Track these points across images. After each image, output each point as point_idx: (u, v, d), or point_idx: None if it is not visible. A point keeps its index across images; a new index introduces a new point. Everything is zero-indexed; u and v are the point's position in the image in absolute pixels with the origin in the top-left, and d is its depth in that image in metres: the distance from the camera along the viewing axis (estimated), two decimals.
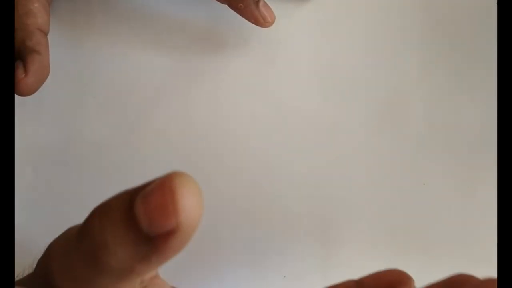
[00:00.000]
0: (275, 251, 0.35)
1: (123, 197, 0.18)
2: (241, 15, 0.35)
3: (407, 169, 0.35)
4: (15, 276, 0.23)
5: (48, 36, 0.35)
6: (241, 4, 0.34)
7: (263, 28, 0.35)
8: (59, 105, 0.37)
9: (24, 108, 0.36)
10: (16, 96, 0.33)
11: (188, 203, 0.18)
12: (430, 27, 0.37)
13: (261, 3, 0.34)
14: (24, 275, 0.25)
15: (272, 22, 0.35)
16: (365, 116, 0.36)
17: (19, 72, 0.33)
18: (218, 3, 0.35)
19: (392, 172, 0.35)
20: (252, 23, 0.35)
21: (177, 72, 0.37)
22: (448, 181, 0.35)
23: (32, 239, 0.33)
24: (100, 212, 0.19)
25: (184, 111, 0.37)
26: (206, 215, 0.34)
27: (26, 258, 0.28)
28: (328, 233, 0.35)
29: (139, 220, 0.17)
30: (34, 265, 0.23)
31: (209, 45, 0.38)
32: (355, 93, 0.37)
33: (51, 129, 0.36)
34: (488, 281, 0.25)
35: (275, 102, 0.37)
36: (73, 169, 0.36)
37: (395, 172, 0.35)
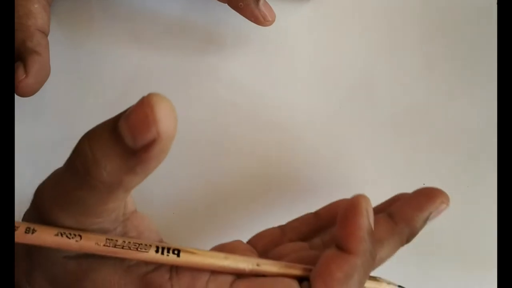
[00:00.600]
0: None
1: (108, 121, 0.22)
2: (241, 14, 0.35)
3: (407, 169, 0.35)
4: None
5: (48, 37, 0.35)
6: (241, 3, 0.34)
7: (263, 28, 0.35)
8: (59, 106, 0.37)
9: (24, 109, 0.36)
10: (16, 97, 0.33)
11: (165, 115, 0.21)
12: (430, 27, 0.37)
13: (261, 2, 0.34)
14: None
15: (273, 21, 0.35)
16: (365, 116, 0.36)
17: (20, 73, 0.33)
18: (218, 2, 0.35)
19: (392, 172, 0.35)
20: (252, 22, 0.35)
21: (177, 71, 0.37)
22: (448, 181, 0.35)
23: None
24: (89, 136, 0.22)
25: (184, 111, 0.36)
26: (206, 215, 0.34)
27: None
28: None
29: (124, 135, 0.20)
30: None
31: (209, 44, 0.38)
32: (355, 92, 0.37)
33: (51, 129, 0.36)
34: (420, 190, 0.28)
35: (275, 101, 0.37)
36: None
37: (395, 172, 0.35)
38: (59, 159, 0.36)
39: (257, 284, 0.24)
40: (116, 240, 0.24)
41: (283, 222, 0.31)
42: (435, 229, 0.35)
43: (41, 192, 0.24)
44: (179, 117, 0.36)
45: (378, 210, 0.30)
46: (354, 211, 0.25)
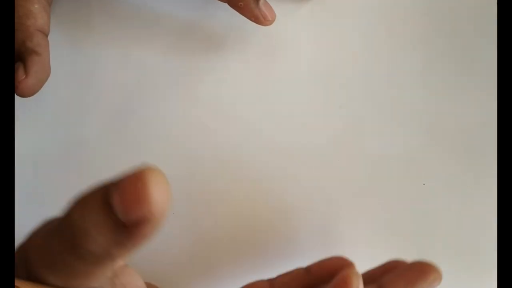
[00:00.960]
0: (275, 252, 0.35)
1: (101, 189, 0.20)
2: (241, 13, 0.35)
3: (407, 169, 0.35)
4: None
5: (48, 37, 0.35)
6: (241, 3, 0.34)
7: (263, 28, 0.35)
8: (59, 106, 0.37)
9: (24, 109, 0.36)
10: (16, 97, 0.33)
11: (158, 193, 0.20)
12: (430, 27, 0.37)
13: (261, 2, 0.34)
14: None
15: (273, 21, 0.35)
16: (365, 115, 0.36)
17: (20, 74, 0.33)
18: (218, 1, 0.35)
19: (392, 172, 0.35)
20: (252, 21, 0.34)
21: (177, 71, 0.37)
22: (448, 181, 0.35)
23: None
24: (80, 204, 0.21)
25: (184, 110, 0.37)
26: (205, 214, 0.34)
27: None
28: (328, 233, 0.35)
29: (116, 208, 0.20)
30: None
31: (209, 44, 0.38)
32: (355, 93, 0.37)
33: (51, 129, 0.36)
34: (415, 264, 0.27)
35: (275, 101, 0.37)
36: (73, 169, 0.36)
37: (395, 172, 0.35)
38: (59, 159, 0.36)
39: None
40: None
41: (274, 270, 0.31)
42: (435, 228, 0.35)
43: (28, 247, 0.23)
44: (179, 117, 0.36)
45: (369, 277, 0.30)
46: (344, 282, 0.25)
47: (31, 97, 0.34)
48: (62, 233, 0.21)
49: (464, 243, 0.34)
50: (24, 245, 0.24)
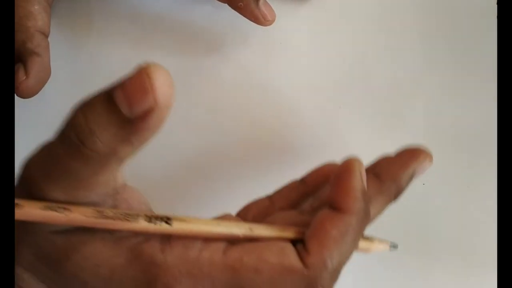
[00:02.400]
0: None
1: (103, 90, 0.21)
2: (241, 13, 0.35)
3: None
4: None
5: (49, 38, 0.35)
6: (241, 3, 0.34)
7: (263, 28, 0.35)
8: (60, 106, 0.37)
9: (24, 109, 0.36)
10: (17, 98, 0.33)
11: (162, 83, 0.21)
12: (430, 27, 0.37)
13: (261, 2, 0.34)
14: None
15: (273, 21, 0.35)
16: (365, 115, 0.36)
17: (20, 75, 0.33)
18: (218, 2, 0.35)
19: None
20: (252, 21, 0.35)
21: (176, 71, 0.37)
22: (448, 181, 0.35)
23: None
24: (83, 106, 0.22)
25: (184, 110, 0.37)
26: (206, 213, 0.34)
27: None
28: None
29: (120, 104, 0.20)
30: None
31: (209, 44, 0.38)
32: (355, 92, 0.37)
33: (52, 130, 0.36)
34: (404, 151, 0.28)
35: (275, 101, 0.37)
36: None
37: None
38: None
39: (250, 248, 0.24)
40: (104, 211, 0.23)
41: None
42: (435, 228, 0.35)
43: (30, 164, 0.23)
44: (179, 117, 0.36)
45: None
46: (347, 172, 0.25)
47: (32, 98, 0.34)
48: (65, 138, 0.22)
49: (464, 243, 0.34)
50: (25, 166, 0.23)
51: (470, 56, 0.37)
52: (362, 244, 0.27)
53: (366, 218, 0.25)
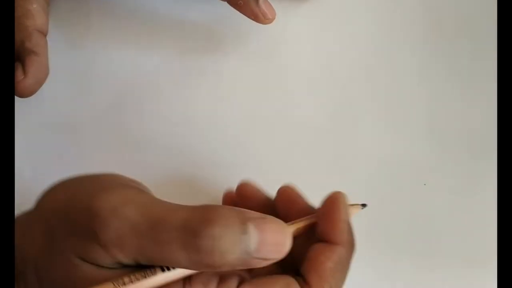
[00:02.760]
0: None
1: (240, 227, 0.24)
2: (241, 12, 0.35)
3: (407, 170, 0.35)
4: None
5: (47, 37, 0.35)
6: (241, 1, 0.34)
7: (262, 28, 0.35)
8: (58, 106, 0.37)
9: (24, 110, 0.36)
10: (16, 98, 0.33)
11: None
12: (430, 27, 0.37)
13: (261, 0, 0.34)
14: None
15: (273, 19, 0.35)
16: (365, 116, 0.36)
17: (18, 74, 0.33)
18: (218, 0, 0.35)
19: (392, 172, 0.36)
20: (252, 20, 0.34)
21: (176, 71, 0.37)
22: (448, 181, 0.35)
23: None
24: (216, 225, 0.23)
25: (184, 110, 0.37)
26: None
27: None
28: None
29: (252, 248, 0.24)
30: None
31: (208, 43, 0.38)
32: (355, 92, 0.37)
33: (50, 129, 0.36)
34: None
35: (275, 101, 0.37)
36: (73, 169, 0.36)
37: (395, 172, 0.35)
38: (58, 159, 0.36)
39: (260, 285, 0.25)
40: (123, 280, 0.24)
41: None
42: (435, 228, 0.35)
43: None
44: (179, 116, 0.36)
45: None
46: (333, 206, 0.27)
47: (31, 98, 0.34)
48: (198, 241, 0.23)
49: (464, 243, 0.34)
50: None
51: (470, 56, 0.37)
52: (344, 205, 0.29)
53: (353, 247, 0.28)
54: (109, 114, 0.37)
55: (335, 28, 0.38)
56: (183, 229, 0.23)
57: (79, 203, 0.25)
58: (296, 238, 0.27)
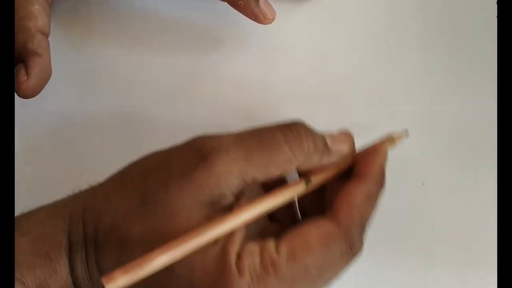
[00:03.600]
0: None
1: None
2: (241, 12, 0.35)
3: (407, 169, 0.35)
4: None
5: (49, 38, 0.35)
6: (241, 1, 0.34)
7: (263, 27, 0.35)
8: (61, 106, 0.37)
9: (24, 110, 0.36)
10: (17, 98, 0.33)
11: None
12: (430, 27, 0.37)
13: (261, 0, 0.34)
14: None
15: (273, 19, 0.35)
16: (365, 116, 0.36)
17: (21, 75, 0.33)
18: (219, 0, 0.35)
19: (392, 172, 0.35)
20: (253, 20, 0.35)
21: (176, 71, 0.37)
22: (448, 181, 0.35)
23: None
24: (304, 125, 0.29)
25: (184, 110, 0.37)
26: None
27: None
28: None
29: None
30: None
31: (209, 43, 0.38)
32: (355, 92, 0.37)
33: (52, 130, 0.37)
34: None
35: (275, 101, 0.37)
36: (73, 169, 0.36)
37: (395, 173, 0.35)
38: (59, 159, 0.36)
39: (294, 236, 0.27)
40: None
41: None
42: (435, 228, 0.35)
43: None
44: (179, 117, 0.36)
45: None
46: (375, 150, 0.30)
47: (33, 98, 0.34)
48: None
49: (464, 243, 0.34)
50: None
51: (470, 56, 0.37)
52: (387, 144, 0.32)
53: (382, 185, 0.30)
54: (110, 114, 0.37)
55: (335, 28, 0.38)
56: (280, 128, 0.28)
57: (177, 149, 0.29)
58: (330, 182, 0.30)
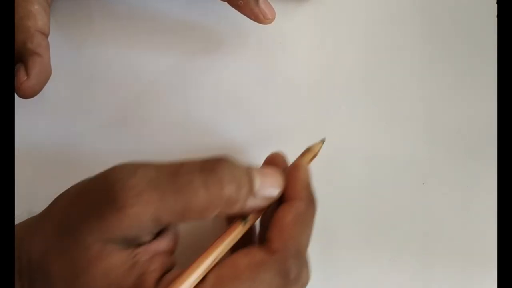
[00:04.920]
0: None
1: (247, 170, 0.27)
2: (241, 12, 0.35)
3: (407, 169, 0.35)
4: None
5: (48, 38, 0.35)
6: (241, 1, 0.34)
7: (263, 27, 0.35)
8: (60, 106, 0.37)
9: (25, 109, 0.36)
10: (17, 98, 0.33)
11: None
12: (430, 27, 0.37)
13: (261, 0, 0.34)
14: None
15: (273, 19, 0.35)
16: (365, 116, 0.36)
17: (21, 75, 0.33)
18: (218, 0, 0.35)
19: (392, 172, 0.35)
20: (252, 20, 0.34)
21: (177, 71, 0.37)
22: (448, 181, 0.35)
23: None
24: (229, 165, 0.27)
25: (184, 110, 0.37)
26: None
27: None
28: (327, 233, 0.35)
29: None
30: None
31: (209, 43, 0.38)
32: (355, 92, 0.37)
33: (52, 130, 0.37)
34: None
35: (275, 101, 0.37)
36: (73, 169, 0.36)
37: (395, 172, 0.35)
38: (59, 159, 0.36)
39: (224, 264, 0.26)
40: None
41: None
42: (434, 228, 0.35)
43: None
44: (179, 117, 0.36)
45: None
46: (295, 168, 0.29)
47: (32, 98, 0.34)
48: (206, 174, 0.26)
49: (464, 243, 0.34)
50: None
51: (470, 56, 0.37)
52: (309, 157, 0.31)
53: (313, 203, 0.29)
54: (110, 114, 0.37)
55: (335, 28, 0.38)
56: (200, 169, 0.26)
57: (95, 181, 0.26)
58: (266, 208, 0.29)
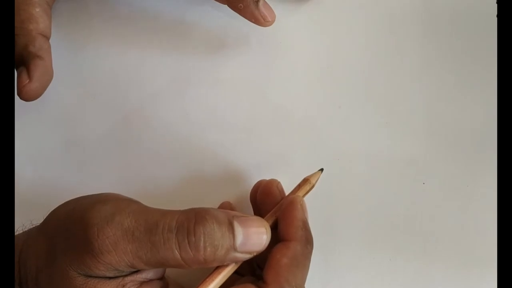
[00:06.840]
0: None
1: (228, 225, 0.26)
2: (241, 15, 0.35)
3: (407, 169, 0.35)
4: None
5: (50, 40, 0.35)
6: (241, 4, 0.34)
7: (263, 28, 0.35)
8: (62, 108, 0.37)
9: (26, 110, 0.37)
10: (17, 98, 0.33)
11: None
12: (430, 27, 0.37)
13: (261, 3, 0.34)
14: None
15: (273, 22, 0.35)
16: (364, 115, 0.36)
17: (23, 78, 0.33)
18: (218, 3, 0.35)
19: (392, 171, 0.35)
20: (252, 22, 0.35)
21: (177, 72, 0.37)
22: (448, 181, 0.35)
23: None
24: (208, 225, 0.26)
25: (184, 111, 0.37)
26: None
27: None
28: (327, 233, 0.35)
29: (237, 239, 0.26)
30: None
31: (209, 45, 0.38)
32: (355, 92, 0.37)
33: (54, 131, 0.37)
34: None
35: (275, 101, 0.37)
36: (73, 169, 0.36)
37: (395, 172, 0.35)
38: (59, 159, 0.36)
39: None
40: None
41: None
42: (435, 229, 0.35)
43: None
44: (179, 117, 0.37)
45: None
46: (290, 206, 0.29)
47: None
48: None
49: (464, 243, 0.34)
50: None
51: (470, 56, 0.37)
52: (306, 188, 0.31)
53: (309, 243, 0.29)
54: (111, 116, 0.37)
55: (335, 29, 0.38)
56: (177, 229, 0.26)
57: (76, 216, 0.27)
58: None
